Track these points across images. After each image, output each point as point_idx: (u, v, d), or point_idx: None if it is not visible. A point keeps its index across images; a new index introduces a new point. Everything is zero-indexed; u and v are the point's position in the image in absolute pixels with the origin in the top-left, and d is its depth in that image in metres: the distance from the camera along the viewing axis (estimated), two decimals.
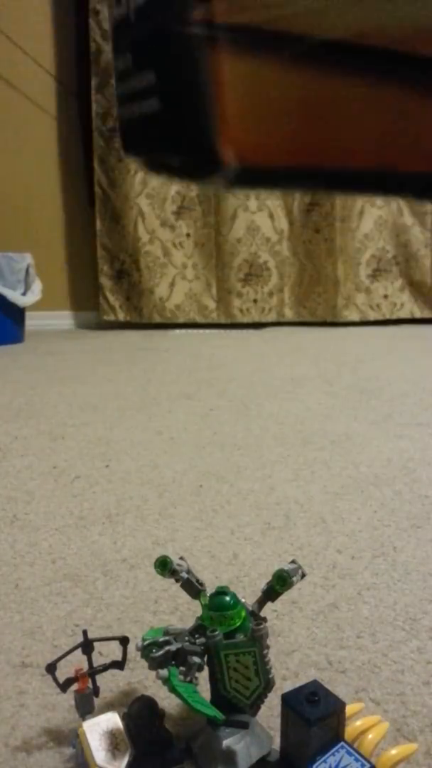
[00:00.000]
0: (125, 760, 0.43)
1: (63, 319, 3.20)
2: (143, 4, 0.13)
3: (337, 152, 0.12)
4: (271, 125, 0.12)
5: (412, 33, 0.10)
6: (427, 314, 3.11)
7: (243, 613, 0.45)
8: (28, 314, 2.74)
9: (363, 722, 0.47)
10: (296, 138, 0.12)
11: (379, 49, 0.10)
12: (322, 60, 0.10)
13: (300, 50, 0.10)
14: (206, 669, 0.45)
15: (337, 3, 0.10)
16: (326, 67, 0.11)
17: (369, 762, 0.41)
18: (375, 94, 0.11)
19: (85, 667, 0.49)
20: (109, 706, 0.52)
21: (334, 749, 0.42)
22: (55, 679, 0.47)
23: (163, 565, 0.47)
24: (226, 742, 0.43)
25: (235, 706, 0.45)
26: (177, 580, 0.47)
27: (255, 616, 0.47)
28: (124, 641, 0.50)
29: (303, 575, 0.46)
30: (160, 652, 0.43)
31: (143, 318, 3.01)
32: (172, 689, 0.42)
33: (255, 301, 3.02)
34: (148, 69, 0.14)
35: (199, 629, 0.45)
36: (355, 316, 3.06)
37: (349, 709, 0.46)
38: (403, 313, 3.09)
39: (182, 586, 0.48)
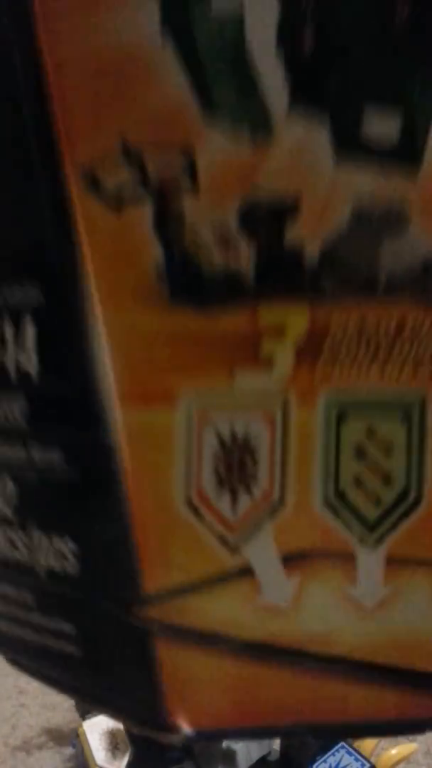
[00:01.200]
0: (125, 760, 0.43)
1: None
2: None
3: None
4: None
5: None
6: None
7: None
8: None
9: None
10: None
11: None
12: (255, 654, 0.10)
13: (234, 648, 0.10)
14: None
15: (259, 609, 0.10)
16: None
17: (369, 762, 0.41)
18: None
19: None
20: None
21: (334, 749, 0.42)
22: None
23: None
24: (226, 742, 0.43)
25: None
26: None
27: None
28: None
29: None
30: None
31: None
32: None
33: None
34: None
35: None
36: None
37: None
38: None
39: None
